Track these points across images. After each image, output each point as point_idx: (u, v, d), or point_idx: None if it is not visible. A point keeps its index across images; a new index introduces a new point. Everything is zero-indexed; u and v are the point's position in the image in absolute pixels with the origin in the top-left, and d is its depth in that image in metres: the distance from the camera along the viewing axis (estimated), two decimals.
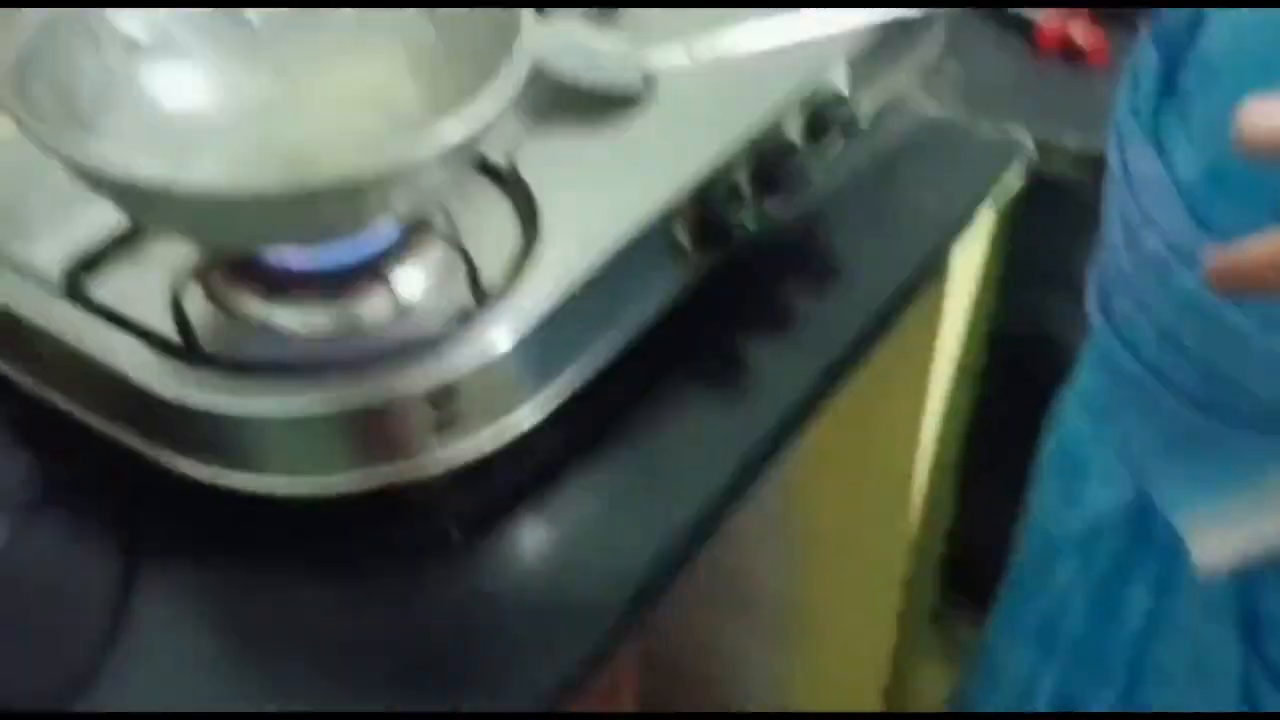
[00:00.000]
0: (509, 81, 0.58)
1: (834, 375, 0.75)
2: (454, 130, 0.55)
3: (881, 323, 0.79)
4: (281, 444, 0.61)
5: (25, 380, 0.67)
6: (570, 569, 0.64)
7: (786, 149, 0.77)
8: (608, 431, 0.69)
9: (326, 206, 0.56)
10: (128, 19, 0.65)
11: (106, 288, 0.66)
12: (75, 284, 0.65)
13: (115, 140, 0.63)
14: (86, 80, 0.63)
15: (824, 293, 0.78)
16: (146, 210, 0.59)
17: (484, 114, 0.56)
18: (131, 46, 0.65)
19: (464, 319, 0.62)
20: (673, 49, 0.81)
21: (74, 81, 0.62)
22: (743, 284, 0.77)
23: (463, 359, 0.61)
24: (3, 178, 0.70)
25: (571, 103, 0.76)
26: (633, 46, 0.80)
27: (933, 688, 1.30)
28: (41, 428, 0.65)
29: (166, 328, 0.62)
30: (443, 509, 0.65)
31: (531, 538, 0.66)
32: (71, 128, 0.60)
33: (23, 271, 0.65)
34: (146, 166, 0.55)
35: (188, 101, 0.67)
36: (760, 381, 0.73)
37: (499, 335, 0.62)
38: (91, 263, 0.66)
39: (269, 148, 0.68)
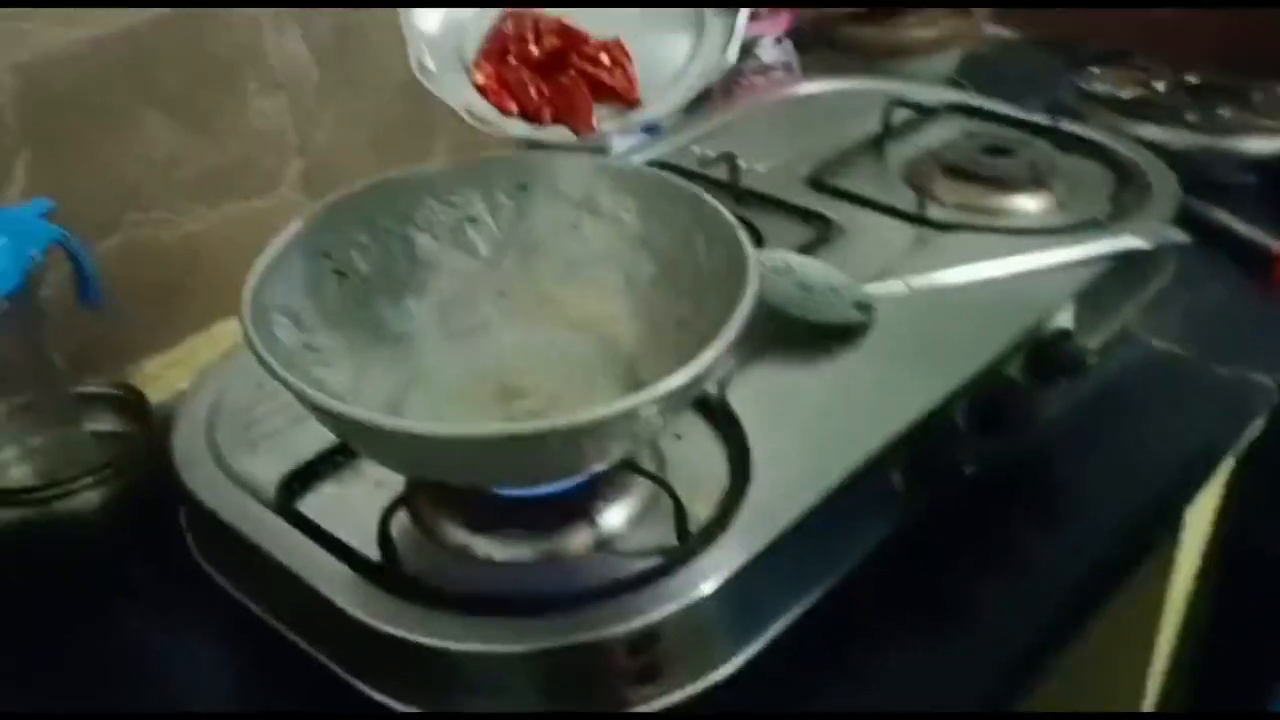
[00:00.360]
0: (737, 327, 0.57)
1: (1062, 631, 0.69)
2: (681, 378, 0.54)
3: (1111, 575, 0.73)
4: (476, 677, 0.59)
5: (241, 595, 0.67)
6: None
7: (1008, 387, 0.74)
8: (810, 681, 0.65)
9: (543, 453, 0.55)
10: (361, 254, 0.67)
11: (317, 502, 0.66)
12: (287, 498, 0.66)
13: (338, 365, 0.64)
14: (318, 298, 0.65)
15: (1047, 539, 0.72)
16: (363, 445, 0.60)
17: (711, 361, 0.55)
18: (365, 276, 0.67)
19: (668, 563, 0.60)
20: (891, 281, 0.79)
21: (304, 302, 0.64)
22: (958, 523, 0.72)
23: (664, 604, 0.58)
24: (237, 388, 0.73)
25: (785, 334, 0.74)
26: (849, 277, 0.79)
27: None
28: (257, 645, 0.65)
29: (370, 548, 0.62)
30: None
31: None
32: (298, 355, 0.62)
33: (240, 483, 0.67)
34: (364, 407, 0.56)
35: (407, 319, 0.69)
36: (976, 629, 0.67)
37: (703, 581, 0.59)
38: (305, 477, 0.67)
39: (483, 372, 0.68)
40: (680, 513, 0.61)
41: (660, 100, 0.66)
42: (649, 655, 0.59)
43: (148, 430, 0.77)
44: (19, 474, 0.77)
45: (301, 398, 0.55)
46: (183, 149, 0.82)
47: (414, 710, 0.60)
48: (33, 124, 0.75)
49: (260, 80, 0.87)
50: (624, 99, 0.65)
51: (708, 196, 0.65)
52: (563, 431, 0.52)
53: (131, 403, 0.80)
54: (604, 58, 0.66)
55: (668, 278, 0.68)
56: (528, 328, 0.70)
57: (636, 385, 0.65)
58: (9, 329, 0.71)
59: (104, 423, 0.80)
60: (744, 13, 0.67)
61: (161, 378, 0.86)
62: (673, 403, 0.56)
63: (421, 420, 0.63)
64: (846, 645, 0.66)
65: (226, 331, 0.89)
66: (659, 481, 0.62)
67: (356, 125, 0.93)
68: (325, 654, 0.63)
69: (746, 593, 0.61)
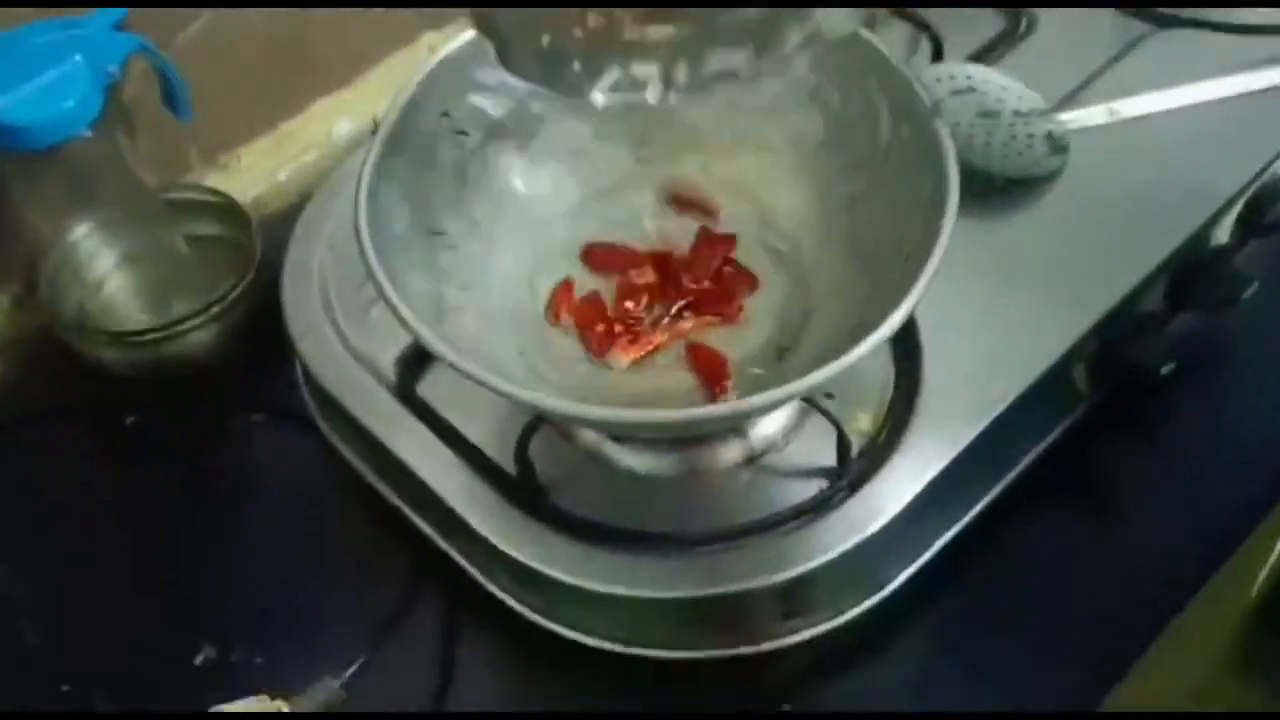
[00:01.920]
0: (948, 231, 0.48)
1: (1229, 542, 0.63)
2: (865, 347, 0.46)
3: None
4: (608, 610, 0.56)
5: (354, 459, 0.64)
6: None
7: (1213, 258, 0.64)
8: (963, 591, 0.61)
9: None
10: (488, 97, 0.58)
11: (438, 382, 0.61)
12: (409, 379, 0.61)
13: (464, 247, 0.57)
14: (440, 175, 0.57)
15: (1229, 439, 0.65)
16: None
17: (897, 327, 0.47)
18: (490, 127, 0.58)
19: (827, 497, 0.55)
20: (1089, 107, 0.68)
21: (426, 182, 0.56)
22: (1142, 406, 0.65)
23: (820, 550, 0.53)
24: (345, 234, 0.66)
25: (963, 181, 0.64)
26: (1040, 96, 0.68)
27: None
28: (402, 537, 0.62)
29: (497, 441, 0.58)
30: (776, 678, 0.59)
31: (859, 710, 0.59)
32: (417, 244, 0.54)
33: (357, 357, 0.62)
34: (495, 292, 0.53)
35: (540, 183, 0.60)
36: (1141, 549, 0.62)
37: (864, 522, 0.54)
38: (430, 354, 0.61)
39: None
40: (843, 440, 0.55)
41: None
42: (801, 597, 0.55)
43: (248, 233, 0.71)
44: (117, 286, 0.73)
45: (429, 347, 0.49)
46: None
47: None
48: None
49: None
50: None
51: (899, 63, 0.54)
52: (741, 413, 0.46)
53: (226, 205, 0.73)
54: None
55: (839, 143, 0.58)
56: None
57: (801, 287, 0.57)
58: (94, 145, 0.64)
59: (201, 228, 0.74)
60: None
61: (257, 167, 0.79)
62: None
63: None
64: (999, 554, 0.61)
65: (321, 110, 0.81)
66: (818, 407, 0.55)
67: None
68: (448, 541, 0.60)
69: (910, 521, 0.56)
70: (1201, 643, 1.01)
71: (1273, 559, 0.94)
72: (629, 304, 0.59)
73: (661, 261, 0.60)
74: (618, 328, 0.58)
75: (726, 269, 0.59)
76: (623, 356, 0.58)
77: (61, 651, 0.60)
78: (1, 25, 0.63)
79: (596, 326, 0.58)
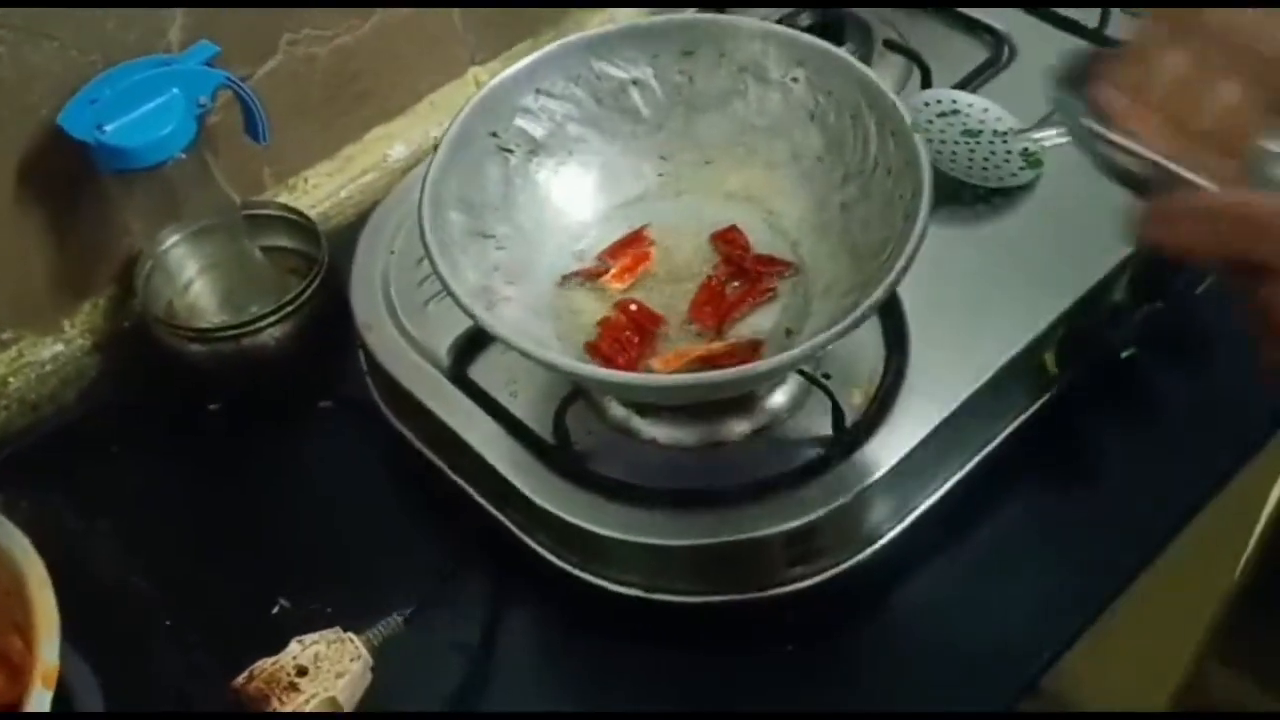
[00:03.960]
0: (923, 228, 0.57)
1: (1193, 504, 0.71)
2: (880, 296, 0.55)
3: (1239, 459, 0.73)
4: (635, 559, 0.64)
5: (414, 437, 0.72)
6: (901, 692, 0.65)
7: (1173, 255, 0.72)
8: (950, 545, 0.69)
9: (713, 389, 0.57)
10: (530, 121, 0.67)
11: (488, 365, 0.70)
12: (461, 364, 0.70)
13: (512, 247, 0.66)
14: (489, 187, 0.66)
15: (1193, 415, 0.73)
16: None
17: (878, 303, 0.55)
18: (532, 146, 0.67)
19: (824, 458, 0.63)
20: (1062, 127, 0.76)
21: (477, 193, 0.65)
22: (1109, 386, 0.73)
23: (819, 502, 0.62)
24: (409, 236, 0.75)
25: (946, 189, 0.73)
26: (1017, 119, 0.76)
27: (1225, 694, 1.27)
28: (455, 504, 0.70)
29: (540, 417, 0.67)
30: (780, 619, 0.66)
31: (856, 651, 0.67)
32: (472, 244, 0.63)
33: (416, 346, 0.70)
34: (540, 285, 0.62)
35: (576, 193, 0.69)
36: (1111, 510, 0.70)
37: (858, 479, 0.62)
38: (476, 339, 0.70)
39: None
40: (837, 411, 0.63)
41: None
42: (804, 545, 0.63)
43: (315, 244, 0.81)
44: (201, 289, 0.82)
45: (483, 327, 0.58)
46: None
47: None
48: None
49: None
50: None
51: (884, 84, 0.63)
52: (747, 375, 0.55)
53: (296, 221, 0.83)
54: None
55: (834, 157, 0.66)
56: (687, 191, 0.70)
57: (803, 279, 0.66)
58: (186, 165, 0.73)
59: (274, 240, 0.83)
60: None
61: (322, 186, 0.89)
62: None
63: None
64: (982, 513, 0.69)
65: (378, 136, 0.90)
66: (817, 383, 0.64)
67: None
68: (494, 506, 0.68)
69: (899, 480, 0.64)
70: (1184, 629, 1.08)
71: (1252, 543, 1.01)
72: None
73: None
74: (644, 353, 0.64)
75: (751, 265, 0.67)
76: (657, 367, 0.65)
77: (162, 599, 0.69)
78: (111, 62, 0.72)
79: (619, 360, 0.63)
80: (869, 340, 0.68)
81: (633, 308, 0.65)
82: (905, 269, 0.56)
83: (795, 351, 0.55)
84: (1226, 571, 1.05)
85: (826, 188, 0.67)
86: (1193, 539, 0.72)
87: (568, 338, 0.65)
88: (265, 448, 0.77)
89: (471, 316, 0.58)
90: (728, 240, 0.67)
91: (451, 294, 0.58)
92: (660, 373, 0.63)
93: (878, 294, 0.55)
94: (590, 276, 0.67)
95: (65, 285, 0.80)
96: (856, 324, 0.55)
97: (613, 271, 0.67)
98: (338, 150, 0.89)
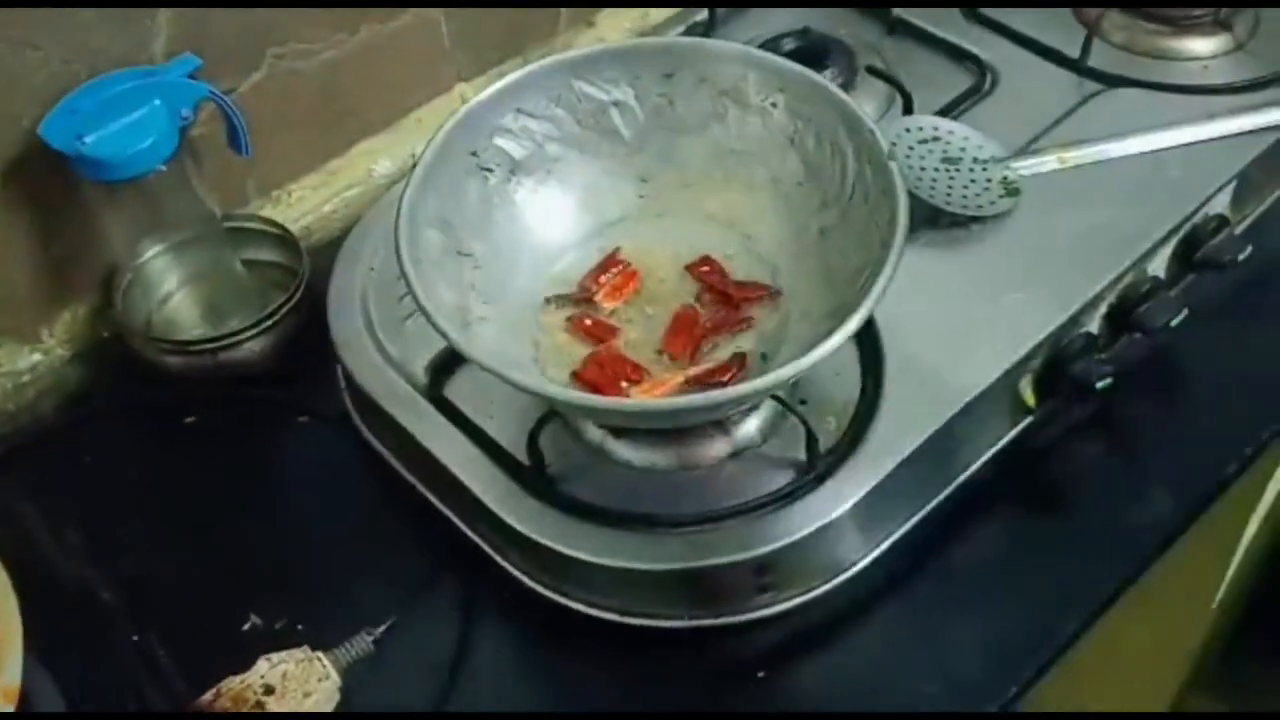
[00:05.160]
0: (898, 256, 0.57)
1: (1169, 534, 0.71)
2: (834, 342, 0.55)
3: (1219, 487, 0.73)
4: (606, 582, 0.64)
5: (390, 454, 0.72)
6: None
7: (1151, 285, 0.73)
8: (922, 574, 0.68)
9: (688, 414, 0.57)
10: (510, 140, 0.67)
11: (464, 384, 0.70)
12: (437, 384, 0.70)
13: (488, 267, 0.66)
14: (467, 206, 0.66)
15: (1168, 446, 0.73)
16: None
17: (856, 329, 0.55)
18: (511, 166, 0.67)
19: (796, 486, 0.63)
20: (1042, 156, 0.76)
21: (455, 211, 0.65)
22: (1085, 416, 0.73)
23: (790, 530, 0.62)
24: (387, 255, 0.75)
25: (926, 215, 0.73)
26: (998, 144, 0.77)
27: None
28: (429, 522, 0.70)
29: (514, 435, 0.66)
30: (751, 645, 0.66)
31: (826, 679, 0.66)
32: (449, 262, 0.63)
33: (393, 364, 0.70)
34: (515, 305, 0.62)
35: (554, 214, 0.69)
36: (1084, 540, 0.70)
37: (830, 507, 0.62)
38: (453, 358, 0.70)
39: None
40: (811, 438, 0.63)
41: None
42: (774, 573, 0.63)
43: (296, 258, 0.81)
44: (181, 301, 0.82)
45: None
46: None
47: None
48: None
49: None
50: None
51: (862, 112, 0.63)
52: (719, 401, 0.55)
53: (277, 234, 0.83)
54: None
55: (813, 182, 0.67)
56: (666, 211, 0.70)
57: (779, 304, 0.66)
58: (167, 177, 0.73)
59: (256, 253, 0.83)
60: None
61: (306, 200, 0.88)
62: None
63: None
64: (955, 542, 0.69)
65: (363, 151, 0.90)
66: (792, 410, 0.64)
67: None
68: (468, 525, 0.68)
69: (871, 509, 0.64)
70: (1162, 660, 1.08)
71: (1230, 574, 1.01)
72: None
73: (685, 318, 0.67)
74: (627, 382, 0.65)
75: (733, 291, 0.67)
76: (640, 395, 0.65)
77: (131, 612, 0.68)
78: (95, 73, 0.72)
79: (608, 391, 0.64)
80: (845, 365, 0.68)
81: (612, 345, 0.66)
82: (879, 296, 0.56)
83: (768, 378, 0.55)
84: (1205, 602, 1.05)
85: (805, 213, 0.67)
86: (1170, 569, 0.72)
87: (549, 363, 0.65)
88: (242, 462, 0.77)
89: (445, 337, 0.58)
90: (704, 270, 0.67)
91: (425, 313, 0.58)
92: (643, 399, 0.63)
93: (852, 322, 0.55)
94: (577, 302, 0.67)
95: (45, 294, 0.79)
96: (830, 352, 0.55)
97: (602, 291, 0.67)
98: (322, 164, 0.89)
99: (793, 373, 0.55)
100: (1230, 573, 1.02)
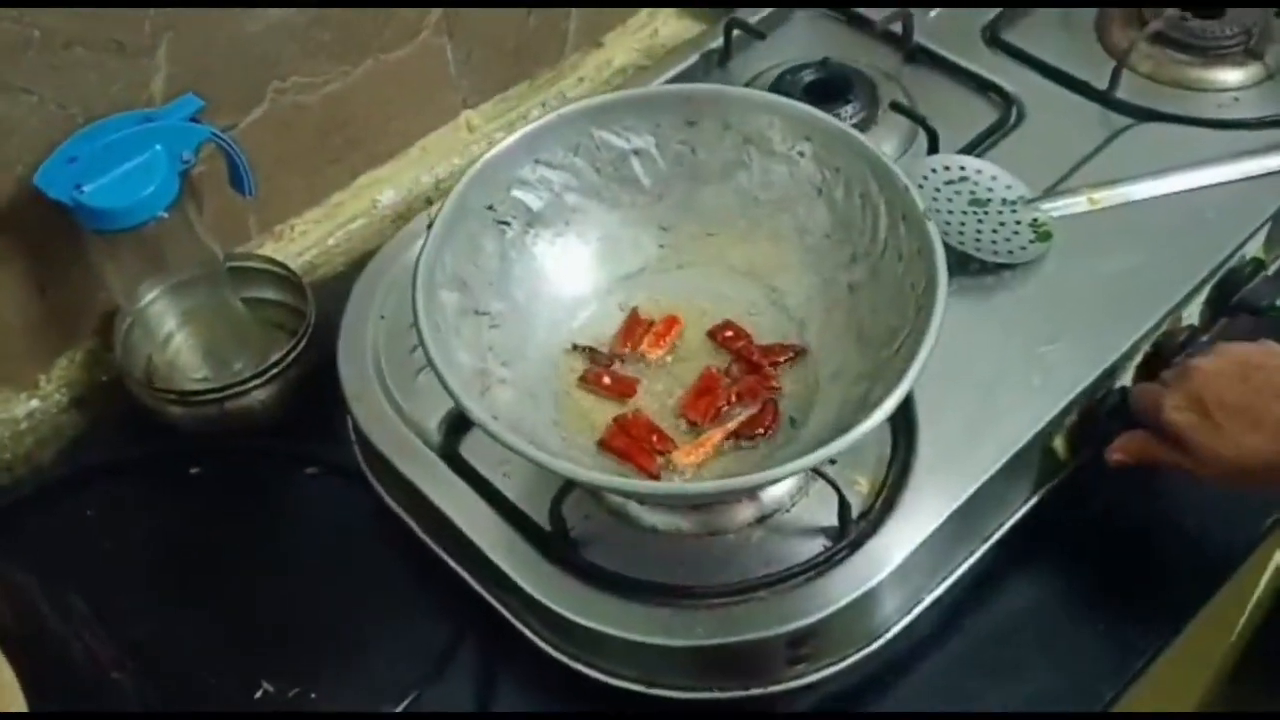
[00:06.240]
0: (938, 325, 0.55)
1: (1200, 599, 0.69)
2: (869, 424, 0.53)
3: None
4: (631, 655, 0.62)
5: (400, 510, 0.70)
6: None
7: (1188, 336, 0.71)
8: (957, 634, 0.66)
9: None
10: (528, 192, 0.65)
11: (478, 441, 0.67)
12: (452, 440, 0.67)
13: (506, 326, 0.63)
14: (485, 262, 0.63)
15: (1204, 499, 0.71)
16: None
17: (894, 408, 0.53)
18: (529, 218, 0.65)
19: (829, 556, 0.61)
20: (1072, 197, 0.74)
21: (472, 269, 0.62)
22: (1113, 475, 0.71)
23: (824, 603, 0.60)
24: (400, 303, 0.72)
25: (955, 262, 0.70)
26: (1026, 185, 0.75)
27: None
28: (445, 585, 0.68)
29: (532, 496, 0.64)
30: (782, 713, 0.65)
31: None
32: (467, 323, 0.61)
33: (406, 419, 0.68)
34: (536, 362, 0.61)
35: (573, 265, 0.67)
36: (1125, 591, 0.68)
37: (865, 577, 0.60)
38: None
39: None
40: (844, 505, 0.61)
41: None
42: (807, 644, 0.61)
43: (300, 297, 0.78)
44: (182, 342, 0.80)
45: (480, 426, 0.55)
46: (322, 12, 0.77)
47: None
48: (171, 8, 0.71)
49: None
50: None
51: (895, 167, 0.61)
52: (756, 484, 0.52)
53: (281, 274, 0.80)
54: None
55: (842, 235, 0.64)
56: (689, 268, 0.68)
57: (809, 364, 0.64)
58: (168, 223, 0.70)
59: (258, 292, 0.81)
60: None
61: (309, 234, 0.86)
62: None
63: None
64: (989, 601, 0.67)
65: (367, 182, 0.87)
66: (824, 476, 0.62)
67: None
68: (486, 589, 0.66)
69: (905, 574, 0.62)
70: (1181, 696, 1.07)
71: (1250, 607, 1.00)
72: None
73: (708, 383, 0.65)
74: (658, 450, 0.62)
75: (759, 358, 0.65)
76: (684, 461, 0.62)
77: (138, 682, 0.66)
78: (92, 116, 0.69)
79: (638, 459, 0.62)
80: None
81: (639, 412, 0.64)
82: (920, 370, 0.54)
83: (809, 458, 0.53)
84: (1223, 638, 1.04)
85: (834, 267, 0.65)
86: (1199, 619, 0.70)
87: (572, 427, 0.62)
88: (249, 515, 0.74)
89: (466, 412, 0.55)
90: (728, 336, 0.65)
91: (448, 389, 0.56)
92: (683, 463, 0.61)
93: (892, 399, 0.53)
94: (595, 357, 0.66)
95: (41, 340, 0.77)
96: (872, 428, 0.53)
97: (647, 341, 0.66)
98: (326, 197, 0.86)
99: (837, 450, 0.53)
100: (1249, 607, 1.00)
